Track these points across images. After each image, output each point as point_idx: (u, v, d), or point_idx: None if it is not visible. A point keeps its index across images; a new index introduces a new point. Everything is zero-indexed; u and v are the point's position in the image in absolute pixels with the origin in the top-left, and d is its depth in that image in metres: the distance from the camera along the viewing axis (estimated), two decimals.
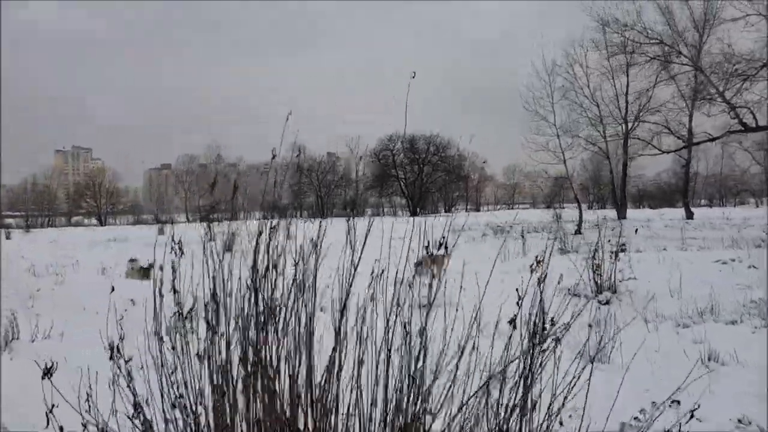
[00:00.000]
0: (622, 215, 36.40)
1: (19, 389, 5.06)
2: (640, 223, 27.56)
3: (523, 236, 15.25)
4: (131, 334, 3.09)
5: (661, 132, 33.66)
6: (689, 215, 34.37)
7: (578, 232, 21.26)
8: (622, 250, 9.14)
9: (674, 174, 65.73)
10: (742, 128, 27.29)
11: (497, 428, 2.86)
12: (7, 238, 34.19)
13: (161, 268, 3.15)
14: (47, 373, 2.68)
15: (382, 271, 3.13)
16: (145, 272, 11.54)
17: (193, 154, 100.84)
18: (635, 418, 4.32)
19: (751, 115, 26.66)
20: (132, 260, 12.15)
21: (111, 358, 2.97)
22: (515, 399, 2.83)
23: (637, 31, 31.25)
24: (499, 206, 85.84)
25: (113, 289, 3.88)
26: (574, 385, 2.77)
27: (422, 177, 63.11)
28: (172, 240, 3.44)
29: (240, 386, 3.03)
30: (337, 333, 3.02)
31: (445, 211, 73.07)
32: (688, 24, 30.48)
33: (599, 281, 8.86)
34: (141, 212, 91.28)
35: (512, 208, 76.51)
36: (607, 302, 8.41)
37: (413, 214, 60.90)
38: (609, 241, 9.57)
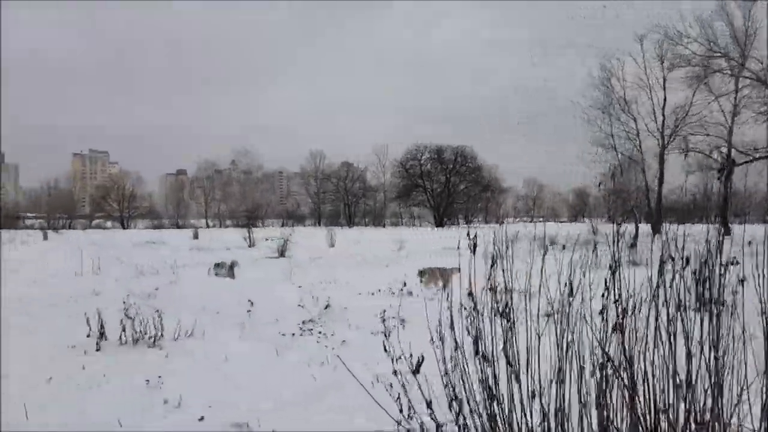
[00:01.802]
0: (656, 230, 36.16)
1: (197, 384, 5.12)
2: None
3: (595, 247, 15.14)
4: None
5: (713, 148, 33.40)
6: (727, 231, 34.05)
7: (634, 245, 21.10)
8: (734, 263, 9.03)
9: (697, 188, 65.23)
10: None
11: None
12: (45, 238, 34.48)
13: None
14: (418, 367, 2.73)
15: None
16: (230, 271, 11.75)
17: (212, 161, 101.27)
18: None
19: None
20: (217, 264, 12.27)
21: (416, 371, 3.05)
22: None
23: (701, 44, 31.12)
24: (518, 219, 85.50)
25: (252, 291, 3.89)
26: None
27: (449, 187, 62.89)
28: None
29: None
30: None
31: (466, 223, 72.92)
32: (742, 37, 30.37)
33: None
34: (157, 217, 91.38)
35: (533, 221, 76.11)
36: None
37: (439, 224, 60.73)
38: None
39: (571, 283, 3.36)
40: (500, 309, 3.43)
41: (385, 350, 3.59)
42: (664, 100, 35.66)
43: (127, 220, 76.02)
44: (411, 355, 3.54)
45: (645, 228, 39.88)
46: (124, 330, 6.65)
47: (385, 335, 3.66)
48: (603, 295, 3.01)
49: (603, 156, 34.13)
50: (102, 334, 6.58)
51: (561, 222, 74.43)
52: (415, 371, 3.20)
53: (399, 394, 3.35)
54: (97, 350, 6.40)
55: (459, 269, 11.55)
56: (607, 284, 3.03)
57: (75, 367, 5.72)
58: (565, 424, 3.20)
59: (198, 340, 6.84)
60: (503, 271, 3.56)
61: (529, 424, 3.17)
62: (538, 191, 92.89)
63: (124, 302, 7.39)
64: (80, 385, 5.18)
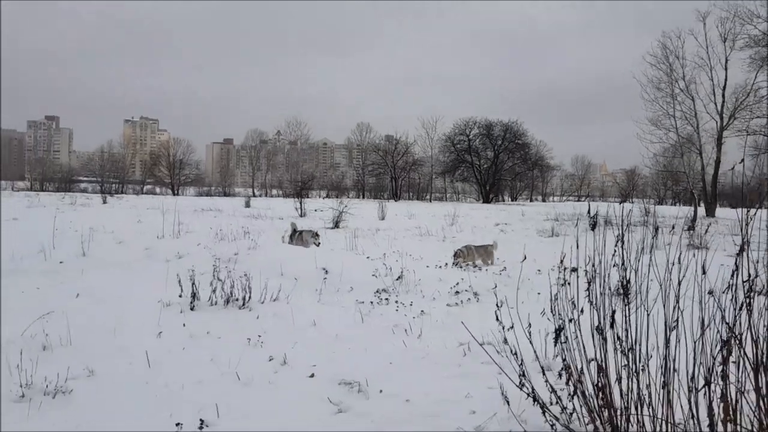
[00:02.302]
0: (710, 213, 35.43)
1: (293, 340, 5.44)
2: (736, 222, 26.83)
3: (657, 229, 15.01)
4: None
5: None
6: None
7: (692, 228, 20.81)
8: None
9: (753, 173, 63.43)
10: None
11: None
12: (104, 202, 35.65)
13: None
14: (558, 333, 2.92)
15: None
16: (299, 237, 12.26)
17: (260, 130, 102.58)
18: None
19: None
20: (296, 231, 12.72)
21: (556, 338, 3.26)
22: None
23: None
24: (565, 198, 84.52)
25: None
26: None
27: (497, 164, 62.37)
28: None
29: None
30: None
31: (511, 200, 72.39)
32: None
33: None
34: (203, 184, 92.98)
35: (579, 200, 75.10)
36: None
37: (485, 200, 60.45)
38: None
39: (679, 263, 3.51)
40: (620, 286, 3.59)
41: (497, 319, 3.81)
42: (725, 80, 34.68)
43: (177, 186, 77.66)
44: (530, 325, 3.75)
45: (699, 210, 39.08)
46: (214, 291, 7.04)
47: (497, 305, 3.88)
48: (732, 275, 3.14)
49: (659, 136, 33.34)
50: (194, 295, 6.96)
51: (611, 201, 73.26)
52: (556, 338, 3.39)
53: (519, 357, 3.58)
54: (192, 309, 6.79)
55: (495, 245, 11.64)
56: (737, 264, 3.14)
57: (176, 324, 6.11)
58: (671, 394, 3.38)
59: (282, 303, 7.17)
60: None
61: (640, 396, 3.35)
62: (585, 170, 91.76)
63: (213, 265, 7.81)
64: (187, 340, 5.56)
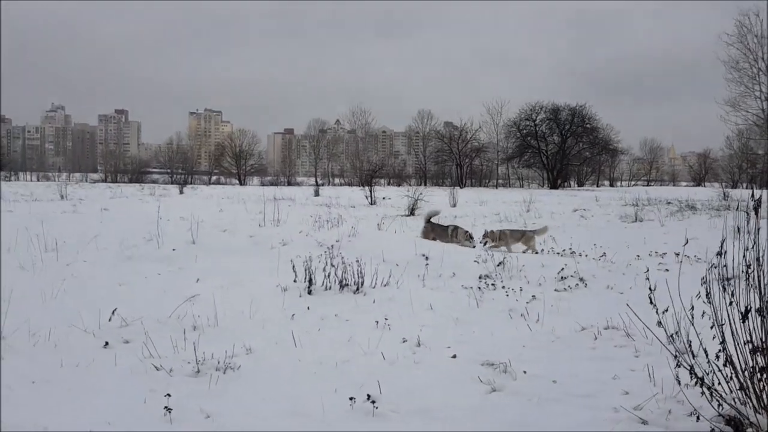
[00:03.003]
0: None
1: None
2: None
3: (748, 212, 14.52)
4: None
5: None
6: None
7: None
8: None
9: None
10: None
11: None
12: (180, 192, 37.00)
13: None
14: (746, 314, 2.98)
15: None
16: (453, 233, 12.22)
17: (321, 119, 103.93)
18: None
19: None
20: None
21: (744, 318, 3.31)
22: None
23: None
24: (635, 182, 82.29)
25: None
26: None
27: (564, 149, 61.26)
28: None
29: None
30: None
31: (578, 185, 70.96)
32: None
33: None
34: (266, 174, 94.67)
35: (648, 185, 73.00)
36: None
37: (553, 186, 59.54)
38: None
39: None
40: None
41: (651, 302, 3.87)
42: None
43: (243, 176, 79.52)
44: (666, 309, 3.80)
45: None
46: (328, 277, 7.32)
47: (650, 289, 3.94)
48: None
49: (744, 117, 32.08)
50: (311, 281, 7.25)
51: (682, 186, 70.98)
52: (743, 318, 3.43)
53: (683, 341, 3.65)
54: (309, 294, 7.09)
55: (545, 230, 11.47)
56: None
57: (301, 307, 6.41)
58: None
59: (393, 288, 7.39)
60: None
61: None
62: (654, 154, 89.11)
63: (325, 251, 8.11)
64: (319, 322, 5.84)
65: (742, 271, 3.76)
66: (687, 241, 5.23)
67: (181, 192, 36.94)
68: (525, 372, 4.39)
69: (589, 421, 3.58)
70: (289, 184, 77.68)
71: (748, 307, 3.48)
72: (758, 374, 3.54)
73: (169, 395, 3.67)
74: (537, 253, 11.09)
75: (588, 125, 61.80)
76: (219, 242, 10.08)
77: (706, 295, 3.80)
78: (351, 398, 3.73)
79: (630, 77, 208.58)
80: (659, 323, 3.84)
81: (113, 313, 5.57)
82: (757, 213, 3.79)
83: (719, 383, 3.55)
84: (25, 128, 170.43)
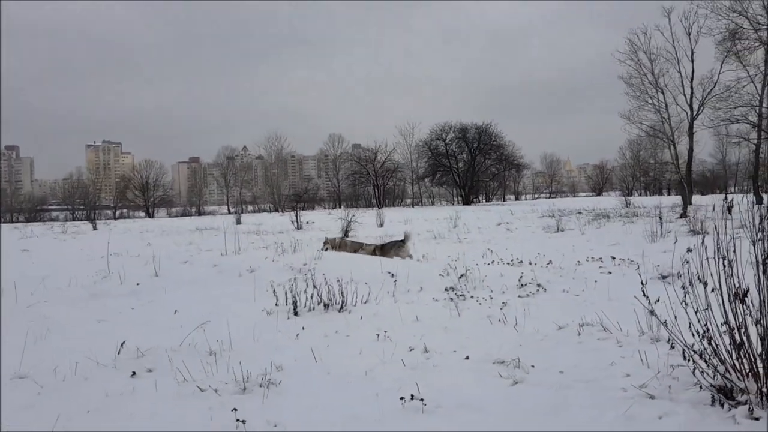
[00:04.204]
0: (688, 201, 37.00)
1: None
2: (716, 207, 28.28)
3: (662, 219, 15.97)
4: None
5: (732, 118, 34.14)
6: (759, 200, 34.85)
7: (684, 215, 22.00)
8: None
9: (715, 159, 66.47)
10: None
11: None
12: (94, 228, 35.60)
13: None
14: (744, 296, 3.61)
15: None
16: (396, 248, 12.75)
17: (231, 146, 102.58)
18: None
19: None
20: (326, 240, 13.19)
21: (743, 299, 3.97)
22: None
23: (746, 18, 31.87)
24: (538, 195, 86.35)
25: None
26: None
27: (474, 166, 63.77)
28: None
29: None
30: None
31: (486, 201, 73.79)
32: None
33: None
34: (172, 204, 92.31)
35: (551, 197, 76.93)
36: None
37: (466, 202, 61.62)
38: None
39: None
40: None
41: (644, 295, 4.53)
42: (692, 72, 36.35)
43: (152, 209, 77.15)
44: (658, 300, 4.44)
45: (672, 200, 40.81)
46: (310, 298, 7.65)
47: (683, 289, 4.59)
48: None
49: (632, 129, 35.07)
50: (295, 303, 7.55)
51: (582, 197, 75.22)
52: (743, 299, 4.07)
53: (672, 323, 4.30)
54: (296, 315, 7.38)
55: (408, 237, 12.52)
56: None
57: (295, 328, 6.71)
58: None
59: (372, 305, 7.80)
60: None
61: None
62: (554, 167, 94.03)
63: (299, 274, 8.42)
64: (323, 339, 6.17)
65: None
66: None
67: (95, 228, 35.56)
68: (533, 366, 4.93)
69: (606, 400, 4.16)
70: (200, 213, 76.05)
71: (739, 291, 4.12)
72: (736, 350, 4.25)
73: (235, 409, 3.96)
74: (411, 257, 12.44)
75: (494, 142, 64.82)
76: (182, 273, 10.15)
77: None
78: (401, 398, 4.15)
79: (528, 95, 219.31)
80: (651, 312, 4.50)
81: (122, 345, 5.68)
82: (730, 211, 4.50)
83: (710, 358, 4.22)
84: None
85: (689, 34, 35.86)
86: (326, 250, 12.33)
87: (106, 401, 4.41)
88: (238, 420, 3.83)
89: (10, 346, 6.41)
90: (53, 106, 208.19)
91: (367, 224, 25.84)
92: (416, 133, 67.91)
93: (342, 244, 12.97)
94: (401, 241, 12.93)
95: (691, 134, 37.22)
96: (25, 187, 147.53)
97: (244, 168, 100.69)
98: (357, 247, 12.82)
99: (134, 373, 5.08)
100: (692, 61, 36.15)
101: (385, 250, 12.57)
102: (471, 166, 63.64)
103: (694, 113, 36.44)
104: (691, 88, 36.45)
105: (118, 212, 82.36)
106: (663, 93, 36.01)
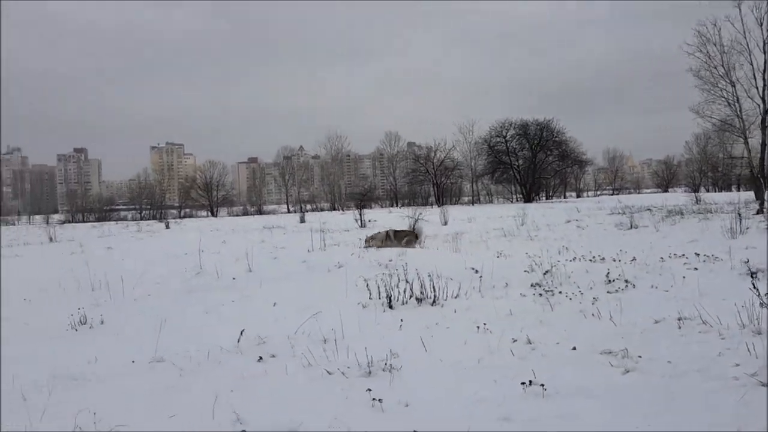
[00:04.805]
0: (759, 197, 35.75)
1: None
2: None
3: (741, 215, 15.63)
4: None
5: None
6: None
7: (761, 211, 21.41)
8: None
9: None
10: None
11: None
12: (167, 227, 37.04)
13: None
14: None
15: None
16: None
17: (289, 146, 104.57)
18: None
19: None
20: (367, 238, 13.78)
21: None
22: None
23: None
24: (600, 192, 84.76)
25: None
26: None
27: (535, 163, 63.17)
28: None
29: None
30: None
31: (546, 198, 72.86)
32: None
33: None
34: (232, 204, 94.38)
35: (614, 194, 75.35)
36: None
37: (527, 200, 61.11)
38: None
39: None
40: None
41: (754, 287, 4.65)
42: (765, 63, 35.09)
43: (215, 208, 79.36)
44: None
45: (744, 195, 39.46)
46: (403, 292, 7.96)
47: (752, 275, 4.71)
48: None
49: (701, 123, 34.07)
50: (389, 297, 7.87)
51: (647, 193, 73.52)
52: None
53: None
54: (391, 308, 7.71)
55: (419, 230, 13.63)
56: None
57: (393, 320, 7.02)
58: None
59: (463, 299, 8.06)
60: None
61: None
62: (617, 163, 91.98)
63: (396, 269, 8.74)
64: (425, 330, 6.46)
65: None
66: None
67: (168, 227, 36.97)
68: (640, 356, 5.10)
69: (720, 387, 4.30)
70: (260, 212, 77.64)
71: None
72: None
73: (369, 390, 4.30)
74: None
75: (557, 138, 63.92)
76: (273, 269, 10.64)
77: None
78: (522, 383, 4.40)
79: (586, 90, 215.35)
80: (762, 304, 4.62)
81: (241, 334, 6.12)
82: None
83: None
84: None
85: (761, 25, 34.62)
86: (369, 247, 13.21)
87: (244, 382, 4.82)
88: (373, 399, 4.16)
89: (133, 333, 7.01)
90: (117, 110, 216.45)
91: (433, 222, 26.10)
92: (475, 131, 67.65)
93: (380, 237, 14.31)
94: (414, 234, 14.92)
95: (764, 128, 35.82)
96: (94, 188, 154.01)
97: (301, 167, 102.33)
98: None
99: (261, 357, 5.49)
100: (765, 52, 34.85)
101: (398, 236, 14.29)
102: (532, 163, 63.00)
103: (767, 106, 35.20)
104: (764, 80, 35.09)
105: (182, 212, 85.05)
106: (734, 86, 34.92)
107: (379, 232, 15.30)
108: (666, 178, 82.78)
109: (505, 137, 64.40)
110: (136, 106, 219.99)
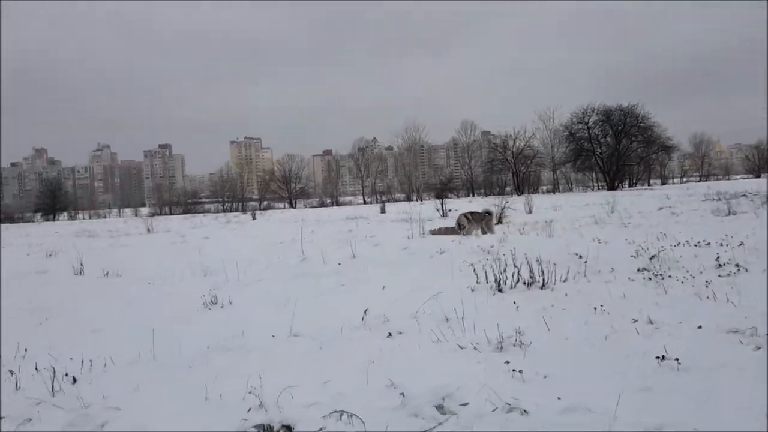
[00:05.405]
0: None
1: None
2: None
3: None
4: None
5: None
6: None
7: None
8: None
9: None
10: None
11: None
12: (253, 218, 38.46)
13: None
14: None
15: None
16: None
17: (364, 137, 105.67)
18: None
19: None
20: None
21: None
22: None
23: None
24: (686, 178, 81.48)
25: None
26: None
27: (619, 150, 61.37)
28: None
29: None
30: None
31: (629, 186, 70.69)
32: None
33: None
34: (309, 196, 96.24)
35: (702, 180, 72.28)
36: None
37: (611, 188, 59.59)
38: None
39: None
40: None
41: None
42: None
43: (293, 200, 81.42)
44: None
45: None
46: (512, 276, 8.14)
47: None
48: None
49: None
50: (498, 281, 8.07)
51: (738, 179, 70.13)
52: None
53: None
54: (500, 291, 7.91)
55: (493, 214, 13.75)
56: None
57: (505, 303, 7.22)
58: None
59: (571, 283, 8.17)
60: None
61: None
62: (705, 148, 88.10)
63: (498, 255, 8.93)
64: (541, 311, 6.63)
65: None
66: None
67: (254, 218, 38.37)
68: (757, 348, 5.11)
69: None
70: (337, 204, 79.02)
71: None
72: None
73: (508, 362, 4.54)
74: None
75: (641, 124, 61.77)
76: (375, 256, 11.03)
77: None
78: (657, 357, 4.54)
79: (671, 74, 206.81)
80: None
81: (365, 312, 6.48)
82: None
83: None
84: (75, 168, 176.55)
85: None
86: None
87: (381, 354, 5.16)
88: (513, 370, 4.41)
89: (262, 312, 7.51)
90: (198, 108, 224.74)
91: (518, 210, 25.99)
92: (556, 118, 66.29)
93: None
94: (489, 213, 15.76)
95: None
96: (178, 181, 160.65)
97: (376, 159, 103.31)
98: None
99: (390, 334, 5.83)
100: None
101: (476, 218, 15.09)
102: (615, 150, 61.18)
103: None
104: None
105: (262, 204, 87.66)
106: None
107: (461, 215, 15.77)
108: (758, 164, 78.59)
109: (587, 123, 62.81)
110: (218, 106, 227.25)
